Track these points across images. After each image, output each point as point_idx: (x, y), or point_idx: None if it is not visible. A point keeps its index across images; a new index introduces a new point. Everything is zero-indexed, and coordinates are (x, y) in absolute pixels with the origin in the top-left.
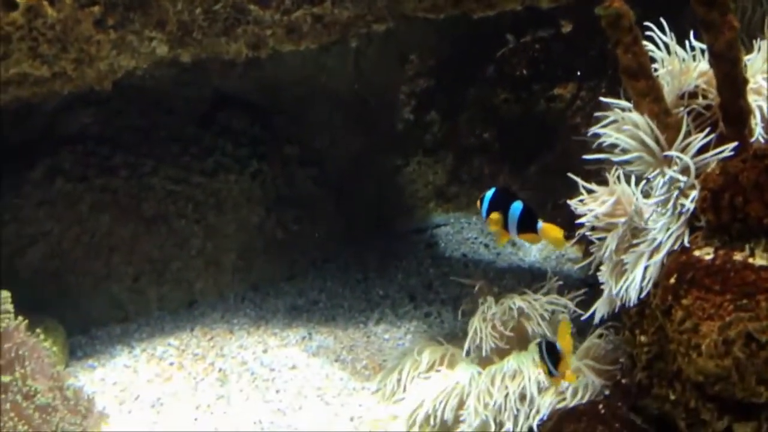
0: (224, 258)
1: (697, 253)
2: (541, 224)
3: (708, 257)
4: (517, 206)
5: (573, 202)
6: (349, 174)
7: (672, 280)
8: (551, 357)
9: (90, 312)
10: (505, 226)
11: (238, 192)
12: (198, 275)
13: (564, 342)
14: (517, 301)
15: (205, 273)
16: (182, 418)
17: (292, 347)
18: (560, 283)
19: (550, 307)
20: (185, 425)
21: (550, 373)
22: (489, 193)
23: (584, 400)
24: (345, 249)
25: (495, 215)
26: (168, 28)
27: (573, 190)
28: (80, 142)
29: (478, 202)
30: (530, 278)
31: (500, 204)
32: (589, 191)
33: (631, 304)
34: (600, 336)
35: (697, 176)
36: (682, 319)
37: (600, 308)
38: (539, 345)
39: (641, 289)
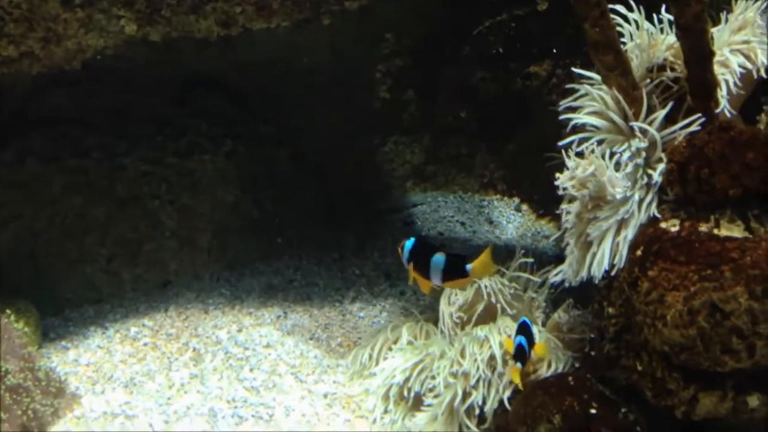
0: (199, 238)
1: (663, 225)
2: (469, 267)
3: (674, 229)
4: (438, 259)
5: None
6: (326, 153)
7: (639, 252)
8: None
9: (64, 294)
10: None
11: (213, 172)
12: (172, 256)
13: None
14: (485, 281)
15: (180, 253)
16: (155, 398)
17: (267, 326)
18: (521, 252)
19: (517, 284)
20: (159, 404)
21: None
22: (409, 243)
23: (556, 372)
24: (322, 228)
25: (411, 269)
26: (136, 6)
27: (550, 168)
28: (52, 124)
29: (399, 250)
30: (506, 255)
31: (419, 254)
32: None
33: (597, 281)
34: (569, 308)
35: (664, 150)
36: (648, 291)
37: (564, 274)
38: (515, 342)
39: (612, 267)
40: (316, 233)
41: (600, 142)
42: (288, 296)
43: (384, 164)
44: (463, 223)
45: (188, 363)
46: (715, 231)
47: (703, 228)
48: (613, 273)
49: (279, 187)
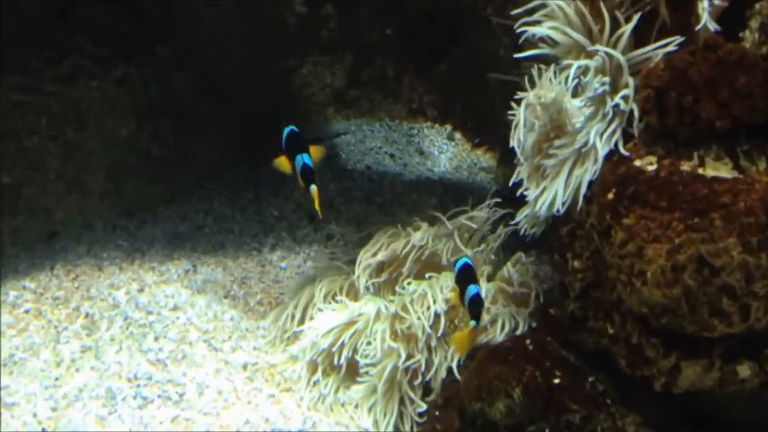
0: (89, 180)
1: (638, 163)
2: (313, 187)
3: (651, 168)
4: (299, 159)
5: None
6: (236, 78)
7: (610, 196)
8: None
9: None
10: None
11: (102, 100)
12: (58, 202)
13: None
14: (417, 236)
15: (67, 199)
16: (40, 379)
17: (174, 283)
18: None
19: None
20: (44, 387)
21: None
22: (285, 131)
23: (512, 334)
24: (236, 164)
25: (284, 160)
26: None
27: (485, 90)
28: None
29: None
30: (441, 191)
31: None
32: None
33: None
34: (519, 260)
35: (635, 73)
36: (624, 242)
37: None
38: (469, 294)
39: (564, 203)
40: (228, 171)
41: (561, 64)
42: (197, 246)
43: (302, 89)
44: (392, 155)
45: (80, 333)
46: (700, 170)
47: (686, 167)
48: (562, 211)
49: (183, 117)
